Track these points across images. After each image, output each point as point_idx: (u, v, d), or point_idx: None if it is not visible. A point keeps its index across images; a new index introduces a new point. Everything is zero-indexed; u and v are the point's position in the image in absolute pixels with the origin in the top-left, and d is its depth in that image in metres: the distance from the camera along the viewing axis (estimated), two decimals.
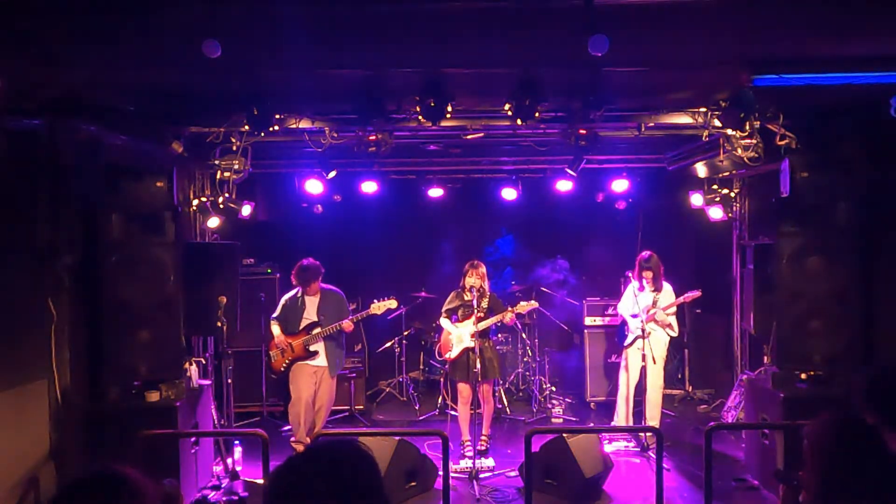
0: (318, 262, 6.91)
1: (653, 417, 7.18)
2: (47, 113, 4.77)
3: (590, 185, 8.68)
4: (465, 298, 6.90)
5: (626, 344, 7.37)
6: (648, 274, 7.15)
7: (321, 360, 6.81)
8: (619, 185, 8.40)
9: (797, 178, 5.89)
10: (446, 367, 7.32)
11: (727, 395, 7.92)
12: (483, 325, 6.70)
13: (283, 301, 7.02)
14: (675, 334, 7.29)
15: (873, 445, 2.09)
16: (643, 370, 7.11)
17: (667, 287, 7.27)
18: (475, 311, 6.64)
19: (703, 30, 4.14)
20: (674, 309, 7.22)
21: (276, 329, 6.89)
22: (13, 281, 4.67)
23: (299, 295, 6.92)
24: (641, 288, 7.22)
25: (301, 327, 6.83)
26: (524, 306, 7.00)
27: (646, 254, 7.26)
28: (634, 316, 7.25)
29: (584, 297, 8.88)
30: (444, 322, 7.04)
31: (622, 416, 7.45)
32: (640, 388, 7.28)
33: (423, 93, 5.12)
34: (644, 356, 7.03)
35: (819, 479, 2.14)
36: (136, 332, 5.49)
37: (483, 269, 6.88)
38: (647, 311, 7.11)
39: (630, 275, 7.48)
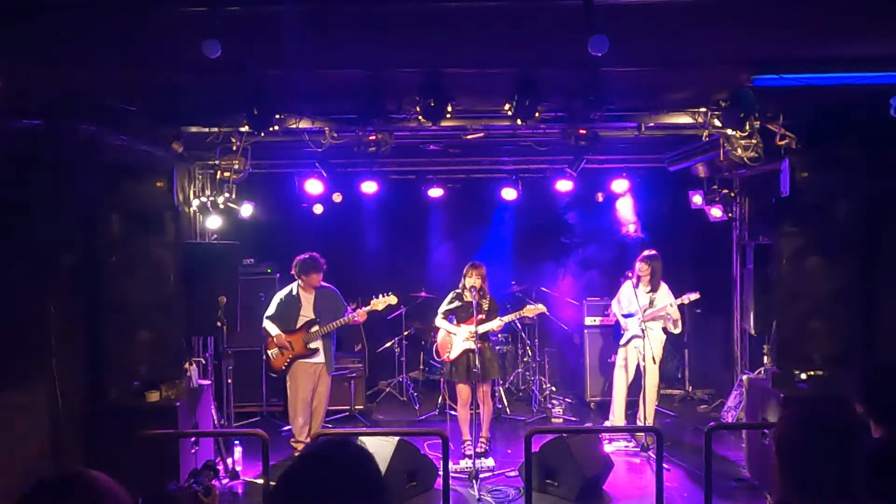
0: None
1: (649, 416, 7.18)
2: (47, 113, 4.77)
3: (590, 185, 8.68)
4: (465, 299, 6.89)
5: (622, 343, 7.38)
6: (648, 270, 7.18)
7: (320, 357, 6.81)
8: (619, 186, 8.40)
9: (797, 178, 5.87)
10: (444, 367, 7.31)
11: (727, 395, 7.92)
12: (484, 328, 6.70)
13: (276, 299, 6.98)
14: (678, 331, 7.32)
15: (839, 440, 2.06)
16: (640, 369, 7.13)
17: (664, 287, 7.31)
18: (476, 311, 6.63)
19: (703, 30, 4.13)
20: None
21: (273, 328, 6.85)
22: (13, 281, 4.67)
23: (294, 293, 6.90)
24: (637, 286, 7.24)
25: (299, 325, 6.82)
26: (531, 309, 6.97)
27: (652, 252, 7.31)
28: (628, 315, 7.28)
29: (584, 297, 8.88)
30: (443, 322, 7.00)
31: (619, 416, 7.45)
32: (635, 388, 7.29)
33: (423, 93, 5.12)
34: (643, 356, 7.04)
35: (786, 478, 2.12)
36: (136, 332, 5.49)
37: (483, 270, 6.84)
38: (645, 310, 7.13)
39: (630, 274, 7.48)
